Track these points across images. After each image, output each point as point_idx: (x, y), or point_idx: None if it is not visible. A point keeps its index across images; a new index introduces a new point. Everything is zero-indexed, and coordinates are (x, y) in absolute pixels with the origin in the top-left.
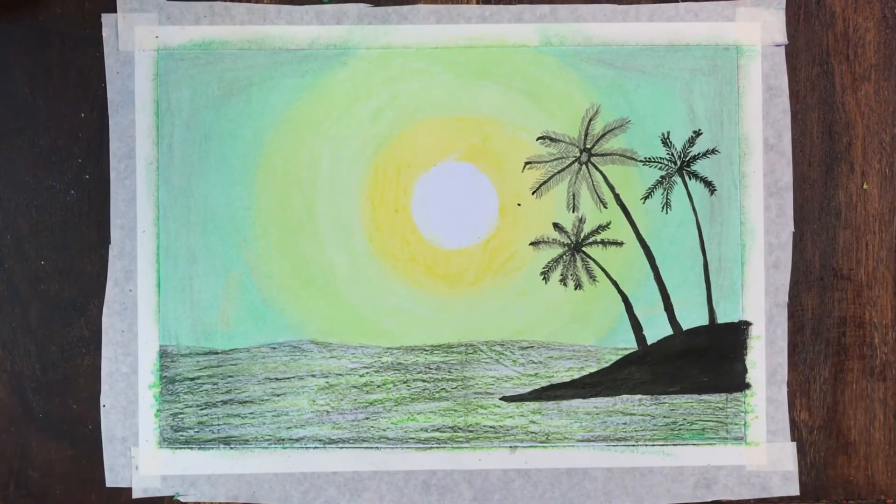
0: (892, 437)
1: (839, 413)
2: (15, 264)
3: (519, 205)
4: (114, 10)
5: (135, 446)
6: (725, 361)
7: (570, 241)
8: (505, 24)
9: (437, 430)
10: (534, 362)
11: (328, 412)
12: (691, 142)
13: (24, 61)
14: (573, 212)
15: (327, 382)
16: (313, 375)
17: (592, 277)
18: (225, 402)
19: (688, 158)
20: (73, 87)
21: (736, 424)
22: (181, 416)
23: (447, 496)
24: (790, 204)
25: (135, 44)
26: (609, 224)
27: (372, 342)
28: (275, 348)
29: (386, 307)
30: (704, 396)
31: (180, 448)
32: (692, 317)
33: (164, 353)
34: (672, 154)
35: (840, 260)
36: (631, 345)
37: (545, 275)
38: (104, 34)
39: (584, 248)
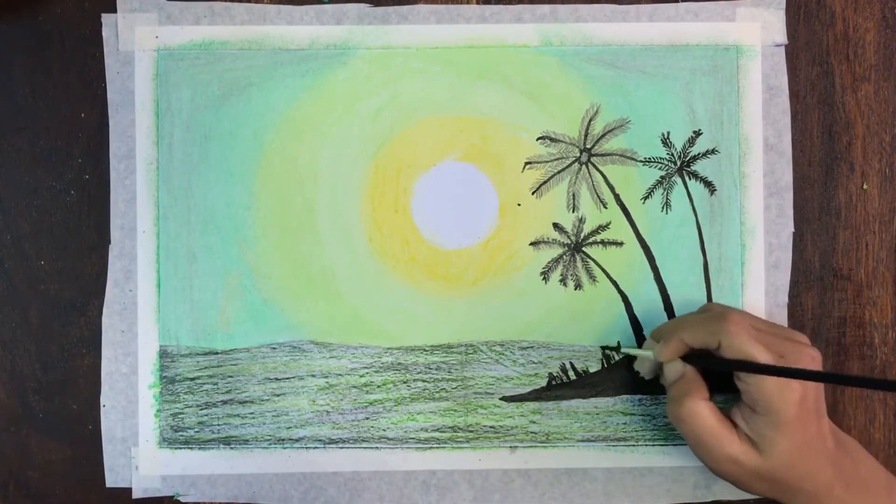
0: (892, 437)
1: (839, 413)
2: (15, 264)
3: (519, 205)
4: (114, 10)
5: (135, 446)
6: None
7: (570, 241)
8: (505, 24)
9: (437, 430)
10: (534, 362)
11: (328, 412)
12: (691, 142)
13: (24, 61)
14: (573, 212)
15: (327, 382)
16: (313, 375)
17: (592, 277)
18: (225, 402)
19: (688, 158)
20: (73, 87)
21: None
22: (181, 416)
23: (447, 496)
24: (790, 204)
25: (135, 44)
26: (609, 224)
27: (372, 342)
28: (275, 348)
29: (386, 307)
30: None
31: (180, 448)
32: None
33: (164, 353)
34: (672, 154)
35: (840, 260)
36: (631, 345)
37: (545, 275)
38: (104, 34)
39: (584, 248)
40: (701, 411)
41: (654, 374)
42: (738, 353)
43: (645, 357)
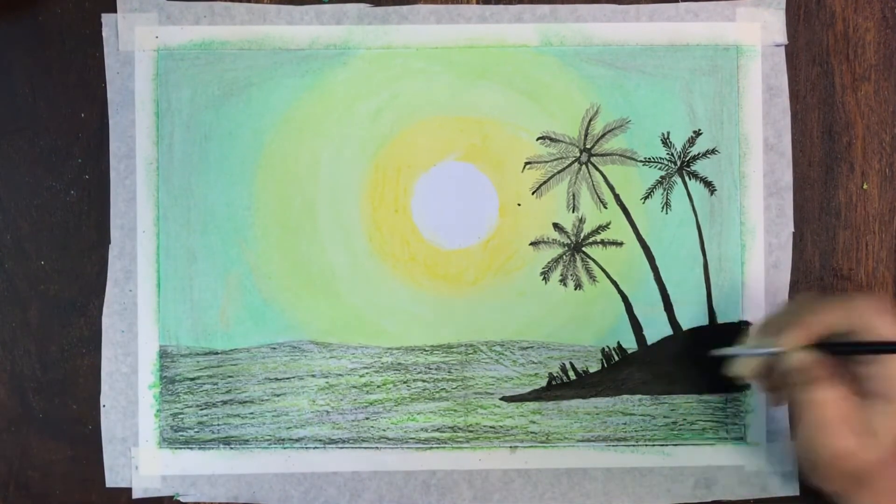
0: None
1: None
2: (15, 264)
3: (519, 205)
4: (114, 10)
5: (135, 446)
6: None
7: (570, 241)
8: (505, 24)
9: (437, 430)
10: (534, 362)
11: (328, 412)
12: (691, 142)
13: (24, 61)
14: (573, 212)
15: (327, 382)
16: (313, 375)
17: (592, 277)
18: (225, 402)
19: (688, 158)
20: (73, 87)
21: (736, 424)
22: (181, 416)
23: (447, 496)
24: (790, 204)
25: (135, 44)
26: (609, 224)
27: (372, 342)
28: (275, 348)
29: (386, 307)
30: (704, 396)
31: (180, 448)
32: (692, 317)
33: (164, 353)
34: (672, 154)
35: (840, 260)
36: (631, 345)
37: (545, 275)
38: (104, 34)
39: (584, 248)
40: (832, 399)
41: (758, 375)
42: (880, 335)
43: (753, 356)
